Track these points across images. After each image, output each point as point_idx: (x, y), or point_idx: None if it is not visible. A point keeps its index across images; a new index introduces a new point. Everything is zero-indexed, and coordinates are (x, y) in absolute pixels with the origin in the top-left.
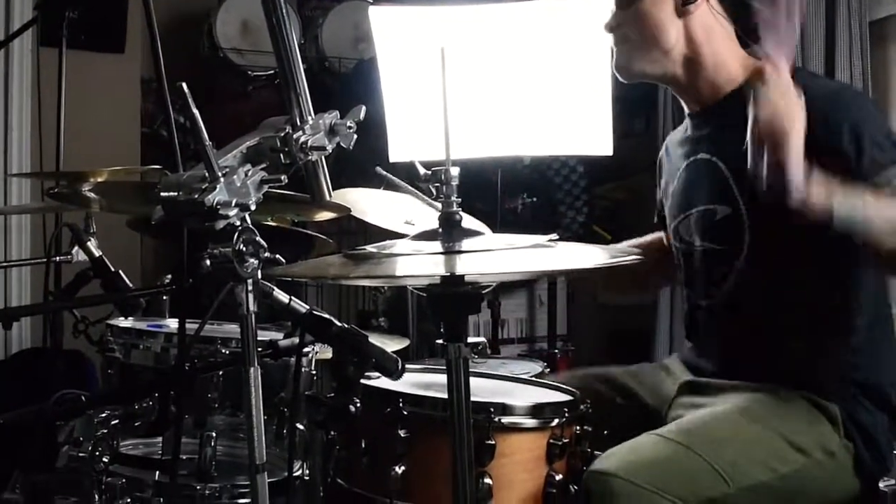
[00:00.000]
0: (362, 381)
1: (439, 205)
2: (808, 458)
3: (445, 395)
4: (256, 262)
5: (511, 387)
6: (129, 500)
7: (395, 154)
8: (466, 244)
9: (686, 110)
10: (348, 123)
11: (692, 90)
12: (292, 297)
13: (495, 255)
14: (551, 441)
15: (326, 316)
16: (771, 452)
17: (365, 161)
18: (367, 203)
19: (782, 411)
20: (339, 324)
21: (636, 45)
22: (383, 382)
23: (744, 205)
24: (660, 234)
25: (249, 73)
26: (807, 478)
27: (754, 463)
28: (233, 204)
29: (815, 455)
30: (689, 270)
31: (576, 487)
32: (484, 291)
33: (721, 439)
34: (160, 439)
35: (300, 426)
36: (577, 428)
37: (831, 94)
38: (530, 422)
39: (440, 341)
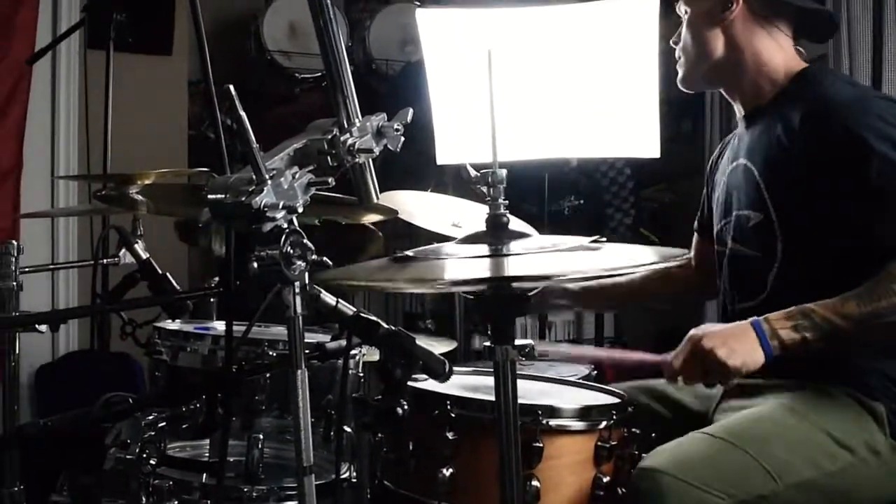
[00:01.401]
0: (410, 383)
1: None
2: (854, 456)
3: (493, 398)
4: (304, 264)
5: (559, 389)
6: (176, 503)
7: (443, 156)
8: (513, 247)
9: (737, 114)
10: (395, 126)
11: (738, 94)
12: (339, 300)
13: (542, 258)
14: (599, 443)
15: (374, 318)
16: (818, 450)
17: (412, 163)
18: (414, 205)
19: (828, 409)
20: (386, 326)
21: (688, 59)
22: (431, 385)
23: (774, 212)
24: (696, 242)
25: (296, 75)
26: (853, 476)
27: (802, 460)
28: (280, 206)
29: (861, 453)
30: (733, 274)
31: (623, 490)
32: (531, 293)
33: (768, 437)
34: (207, 441)
35: (347, 428)
36: (625, 430)
37: (848, 102)
38: (578, 424)
39: (487, 344)
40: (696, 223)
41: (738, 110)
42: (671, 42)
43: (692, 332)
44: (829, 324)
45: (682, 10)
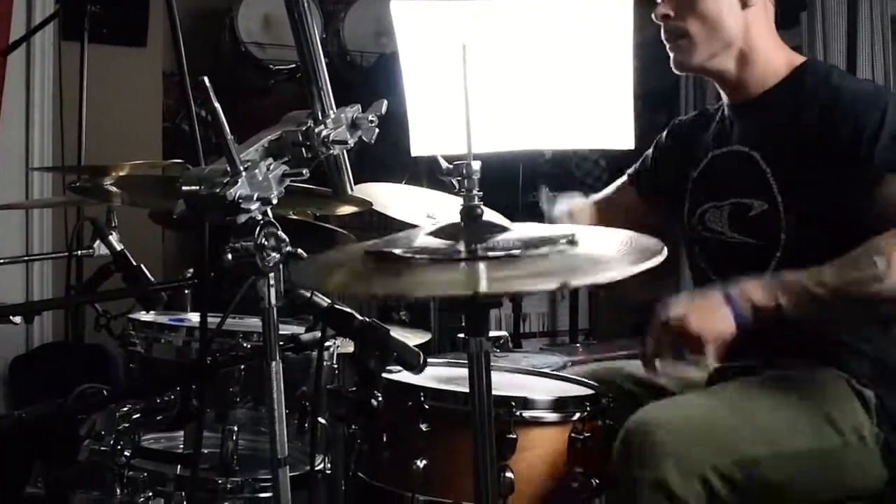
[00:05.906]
0: (384, 374)
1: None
2: (842, 439)
3: (467, 389)
4: (278, 255)
5: (533, 380)
6: (150, 494)
7: (417, 148)
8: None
9: (725, 100)
10: (370, 117)
11: (740, 83)
12: (314, 291)
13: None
14: (573, 435)
15: (348, 310)
16: (810, 425)
17: (387, 155)
18: (388, 197)
19: (821, 389)
20: (360, 318)
21: (698, 39)
22: (405, 376)
23: (782, 201)
24: (628, 189)
25: (271, 67)
26: (839, 458)
27: (794, 431)
28: (254, 198)
29: (848, 437)
30: (724, 260)
31: (597, 481)
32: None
33: (764, 403)
34: (182, 433)
35: (322, 420)
36: (599, 422)
37: (863, 96)
38: (552, 416)
39: (462, 335)
40: (634, 174)
41: (729, 98)
42: (656, 15)
43: (659, 308)
44: (803, 290)
45: None
